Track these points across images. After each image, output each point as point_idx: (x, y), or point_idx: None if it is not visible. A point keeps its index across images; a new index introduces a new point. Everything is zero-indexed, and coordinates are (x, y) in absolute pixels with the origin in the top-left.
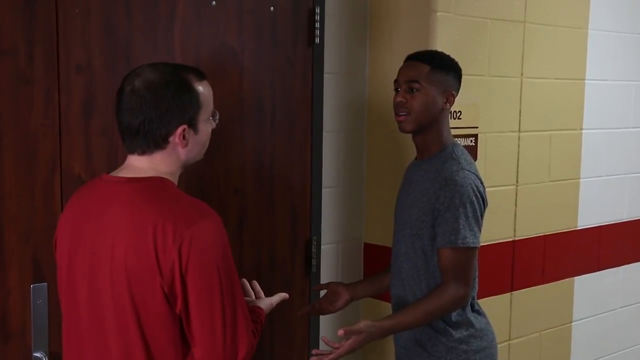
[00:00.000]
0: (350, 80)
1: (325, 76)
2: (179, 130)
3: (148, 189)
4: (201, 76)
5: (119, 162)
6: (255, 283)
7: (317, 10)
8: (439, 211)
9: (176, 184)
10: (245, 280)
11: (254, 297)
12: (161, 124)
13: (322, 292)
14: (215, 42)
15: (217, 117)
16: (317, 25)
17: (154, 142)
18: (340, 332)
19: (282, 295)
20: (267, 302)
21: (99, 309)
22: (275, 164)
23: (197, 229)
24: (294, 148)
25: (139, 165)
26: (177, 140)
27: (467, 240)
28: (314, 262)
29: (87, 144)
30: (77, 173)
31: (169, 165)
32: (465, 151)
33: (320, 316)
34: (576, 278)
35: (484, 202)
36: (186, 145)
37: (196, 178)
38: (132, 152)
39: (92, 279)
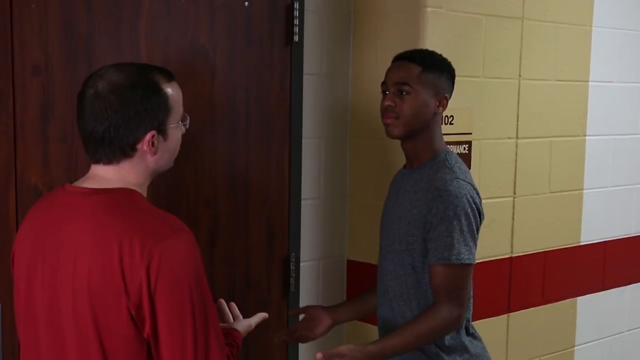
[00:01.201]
0: (332, 82)
1: (305, 78)
2: (148, 136)
3: (114, 202)
4: (170, 77)
5: (79, 171)
6: (234, 305)
7: (296, 5)
8: (430, 224)
9: (145, 195)
10: (222, 302)
11: (232, 320)
12: (128, 130)
13: (301, 316)
14: (184, 40)
15: (188, 121)
16: (296, 22)
17: (121, 150)
18: (319, 355)
19: (262, 315)
20: (245, 324)
21: (59, 333)
22: (250, 173)
23: (168, 245)
24: (271, 156)
25: (104, 175)
26: (145, 147)
27: (462, 256)
28: (292, 281)
29: (45, 152)
30: (33, 183)
31: (137, 175)
32: (460, 159)
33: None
34: (579, 298)
35: (480, 214)
36: (155, 153)
37: (164, 189)
38: (96, 161)
39: (52, 300)
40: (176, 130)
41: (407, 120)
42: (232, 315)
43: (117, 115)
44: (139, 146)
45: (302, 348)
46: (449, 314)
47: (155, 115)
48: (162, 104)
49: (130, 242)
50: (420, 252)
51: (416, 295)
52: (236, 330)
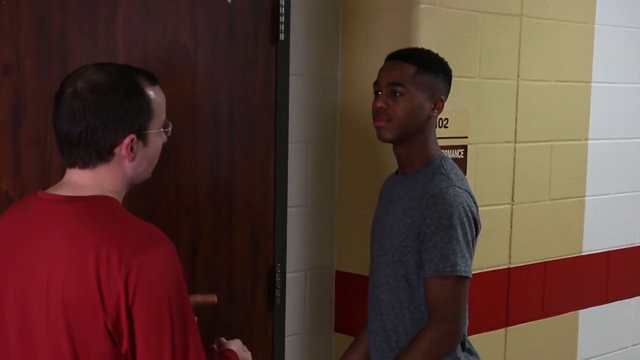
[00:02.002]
0: (320, 83)
1: (291, 78)
2: (127, 140)
3: (91, 210)
4: (153, 80)
5: (52, 177)
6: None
7: (282, 2)
8: (425, 235)
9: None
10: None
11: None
12: (106, 132)
13: None
14: (164, 38)
15: (170, 129)
16: (282, 19)
17: (97, 153)
18: None
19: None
20: (238, 342)
21: (31, 348)
22: (234, 179)
23: (147, 256)
24: (255, 161)
25: (80, 181)
26: (123, 152)
27: (458, 268)
28: (278, 293)
29: (16, 156)
30: (4, 190)
31: (114, 182)
32: (455, 165)
33: None
34: (581, 311)
35: (476, 224)
36: (134, 159)
37: (141, 196)
38: (71, 165)
39: (24, 314)
40: (157, 137)
41: (400, 123)
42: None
43: (96, 116)
44: (116, 150)
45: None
46: (446, 331)
47: (135, 119)
48: (144, 107)
49: (107, 253)
50: (415, 264)
51: (409, 309)
52: (230, 350)
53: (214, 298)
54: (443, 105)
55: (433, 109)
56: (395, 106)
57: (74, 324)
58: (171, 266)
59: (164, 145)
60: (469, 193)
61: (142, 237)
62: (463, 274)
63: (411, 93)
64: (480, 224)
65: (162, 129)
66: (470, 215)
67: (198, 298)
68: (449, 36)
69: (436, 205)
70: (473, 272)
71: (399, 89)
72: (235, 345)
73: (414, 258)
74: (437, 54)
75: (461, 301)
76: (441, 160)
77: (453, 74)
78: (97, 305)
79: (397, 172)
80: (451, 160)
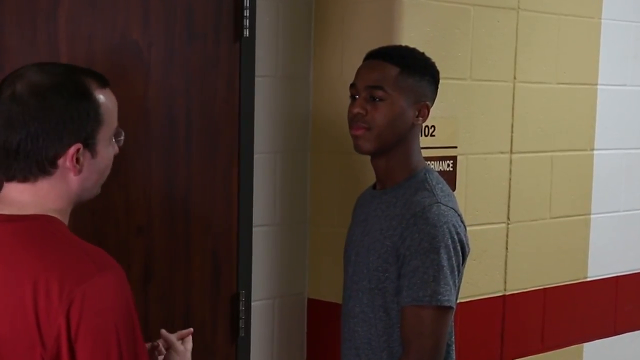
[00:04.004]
0: (290, 86)
1: (257, 80)
2: (72, 150)
3: (30, 232)
4: (103, 82)
5: None
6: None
7: None
8: (404, 258)
9: (66, 224)
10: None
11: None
12: (48, 141)
13: None
14: (112, 35)
15: (123, 138)
16: (247, 13)
17: (38, 165)
18: None
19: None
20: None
21: None
22: (192, 195)
23: (91, 285)
24: (216, 175)
25: (18, 197)
26: (68, 164)
27: (440, 297)
28: (242, 324)
29: None
30: None
31: (57, 199)
32: (442, 179)
33: None
34: (585, 345)
35: (463, 248)
36: (80, 172)
37: (88, 213)
38: (9, 178)
39: None
40: (107, 148)
41: (380, 132)
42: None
43: (36, 122)
44: (60, 162)
45: None
46: None
47: (82, 126)
48: (92, 113)
49: (46, 282)
50: (394, 292)
51: (388, 343)
52: None
53: (190, 330)
54: (429, 112)
55: (417, 116)
56: (374, 112)
57: None
58: (119, 295)
59: (114, 157)
60: (456, 211)
61: (86, 263)
62: (445, 303)
63: (393, 98)
64: (468, 247)
65: (113, 138)
66: (455, 237)
67: (172, 338)
68: (436, 32)
69: (417, 225)
70: (465, 300)
71: (379, 93)
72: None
73: (393, 285)
74: (422, 53)
75: (440, 335)
76: (425, 174)
77: (441, 75)
78: (35, 341)
79: (374, 187)
80: (436, 174)
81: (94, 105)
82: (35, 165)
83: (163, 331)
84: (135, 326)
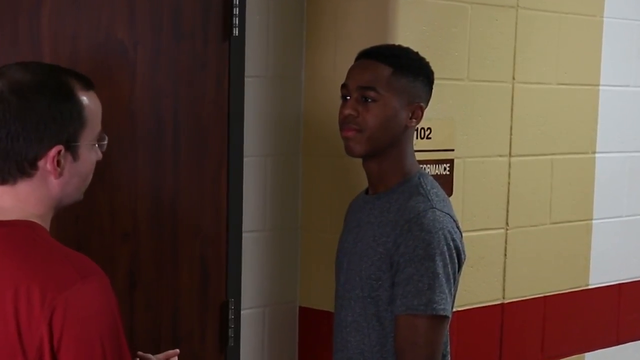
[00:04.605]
0: (281, 86)
1: (247, 81)
2: (53, 152)
3: (10, 238)
4: (88, 84)
5: None
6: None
7: None
8: (398, 265)
9: (48, 230)
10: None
11: None
12: (29, 141)
13: None
14: (97, 34)
15: (106, 142)
16: (236, 11)
17: (18, 166)
18: None
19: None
20: None
21: None
22: (179, 200)
23: (74, 293)
24: (205, 179)
25: None
26: (48, 166)
27: (435, 306)
28: (231, 333)
29: None
30: None
31: (38, 203)
32: (436, 183)
33: None
34: (587, 355)
35: (459, 254)
36: (60, 175)
37: (71, 219)
38: None
39: None
40: (90, 152)
41: (372, 135)
42: None
43: (17, 122)
44: (40, 164)
45: None
46: None
47: (64, 127)
48: (75, 115)
49: (27, 289)
50: (387, 300)
51: (382, 354)
52: None
53: (176, 351)
54: (422, 114)
55: (411, 118)
56: (366, 114)
57: None
58: (104, 303)
59: (98, 160)
60: (452, 217)
61: (68, 269)
62: (440, 312)
63: (385, 99)
64: (464, 254)
65: (96, 143)
66: (451, 243)
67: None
68: (432, 31)
69: (411, 231)
70: (462, 309)
71: (371, 93)
72: None
73: (387, 293)
74: (416, 53)
75: (436, 345)
76: (419, 178)
77: (437, 75)
78: (16, 351)
79: (367, 192)
80: (431, 178)
81: (77, 106)
82: (14, 165)
83: (139, 353)
84: (120, 334)
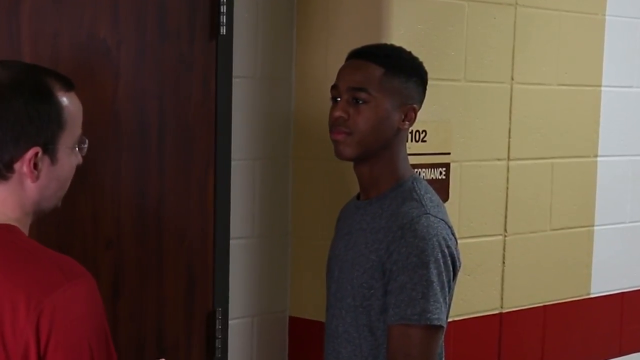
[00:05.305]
0: (270, 87)
1: (235, 81)
2: (29, 154)
3: None
4: (68, 85)
5: None
6: None
7: None
8: (391, 273)
9: (27, 235)
10: None
11: None
12: (4, 142)
13: None
14: (79, 32)
15: (86, 146)
16: (223, 9)
17: None
18: None
19: None
20: None
21: None
22: (164, 206)
23: (61, 295)
24: (191, 183)
25: None
26: (25, 168)
27: (429, 315)
28: (218, 343)
29: None
30: None
31: (15, 207)
32: (430, 188)
33: None
34: None
35: (454, 262)
36: (37, 178)
37: (52, 226)
38: None
39: None
40: (69, 156)
41: (362, 138)
42: None
43: None
44: (17, 166)
45: None
46: None
47: (41, 128)
48: (53, 116)
49: (11, 294)
50: (380, 310)
51: None
52: None
53: None
54: (416, 116)
55: (403, 120)
56: (356, 116)
57: None
58: (91, 306)
59: (79, 164)
60: (447, 223)
61: (54, 272)
62: (435, 322)
63: (377, 100)
64: (459, 262)
65: (76, 146)
66: (446, 250)
67: None
68: (428, 30)
69: (405, 238)
70: (459, 319)
71: (362, 95)
72: None
73: (379, 302)
74: (409, 53)
75: (430, 356)
76: (413, 182)
77: (433, 76)
78: (0, 358)
79: (358, 197)
80: (425, 182)
81: (56, 107)
82: None
83: None
84: (108, 337)
